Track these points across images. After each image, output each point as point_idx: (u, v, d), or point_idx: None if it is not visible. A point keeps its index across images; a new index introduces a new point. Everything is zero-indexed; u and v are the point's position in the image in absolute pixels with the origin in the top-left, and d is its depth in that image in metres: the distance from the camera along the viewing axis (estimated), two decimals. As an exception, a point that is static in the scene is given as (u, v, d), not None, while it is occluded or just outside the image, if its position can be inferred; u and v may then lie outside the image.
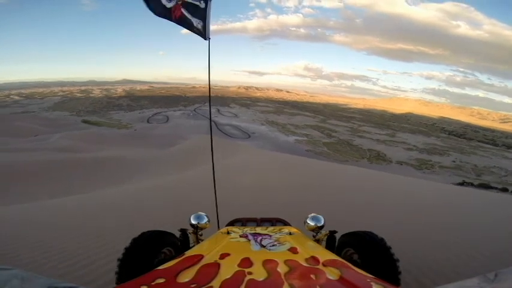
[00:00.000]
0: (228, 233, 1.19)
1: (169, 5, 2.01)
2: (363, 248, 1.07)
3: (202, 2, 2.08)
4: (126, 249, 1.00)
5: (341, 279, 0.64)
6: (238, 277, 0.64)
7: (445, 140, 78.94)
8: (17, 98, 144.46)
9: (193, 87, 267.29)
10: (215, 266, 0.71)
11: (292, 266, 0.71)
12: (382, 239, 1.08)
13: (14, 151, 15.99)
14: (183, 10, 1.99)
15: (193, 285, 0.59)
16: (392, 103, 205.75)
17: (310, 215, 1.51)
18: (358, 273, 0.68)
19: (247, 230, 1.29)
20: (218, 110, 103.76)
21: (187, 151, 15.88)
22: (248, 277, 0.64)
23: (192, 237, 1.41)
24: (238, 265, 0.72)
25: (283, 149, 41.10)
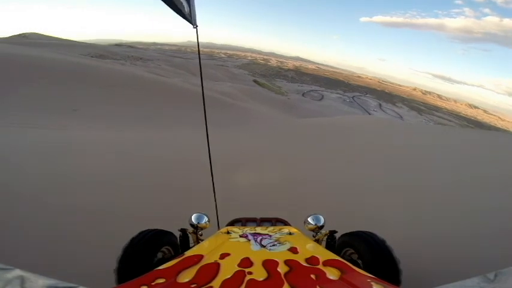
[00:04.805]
0: (228, 233, 1.20)
1: None
2: (363, 248, 1.07)
3: None
4: (125, 248, 1.01)
5: (341, 279, 0.64)
6: (238, 277, 0.64)
7: None
8: (223, 56, 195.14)
9: (359, 76, 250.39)
10: (215, 266, 0.71)
11: (292, 266, 0.72)
12: (383, 240, 1.08)
13: (192, 84, 21.12)
14: None
15: (193, 285, 0.59)
16: None
17: (310, 215, 1.49)
18: (359, 273, 0.68)
19: (247, 230, 1.29)
20: (380, 105, 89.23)
21: (309, 126, 12.75)
22: (248, 277, 0.64)
23: (192, 237, 1.42)
24: (238, 265, 0.72)
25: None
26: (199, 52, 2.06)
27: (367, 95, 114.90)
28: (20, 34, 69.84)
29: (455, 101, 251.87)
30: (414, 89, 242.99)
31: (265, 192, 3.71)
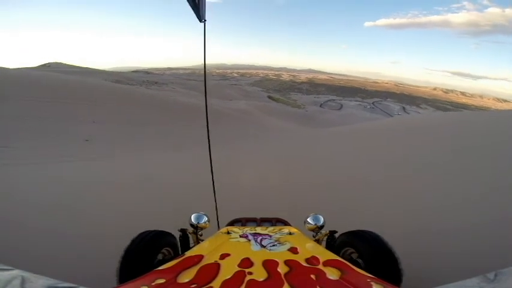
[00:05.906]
0: (228, 233, 1.19)
1: None
2: (362, 247, 1.06)
3: None
4: (126, 250, 1.01)
5: (341, 279, 0.64)
6: (238, 277, 0.64)
7: None
8: (235, 75, 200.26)
9: (375, 81, 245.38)
10: (215, 266, 0.71)
11: (292, 266, 0.71)
12: (382, 239, 1.06)
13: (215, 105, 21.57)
14: None
15: (193, 286, 0.59)
16: None
17: (310, 215, 1.50)
18: (359, 273, 0.68)
19: (247, 230, 1.28)
20: (403, 108, 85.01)
21: (334, 134, 11.65)
22: (248, 277, 0.64)
23: (192, 238, 1.42)
24: (239, 265, 0.72)
25: None
26: (204, 48, 2.00)
27: (388, 99, 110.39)
28: (44, 64, 75.25)
29: (481, 97, 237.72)
30: (434, 89, 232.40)
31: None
